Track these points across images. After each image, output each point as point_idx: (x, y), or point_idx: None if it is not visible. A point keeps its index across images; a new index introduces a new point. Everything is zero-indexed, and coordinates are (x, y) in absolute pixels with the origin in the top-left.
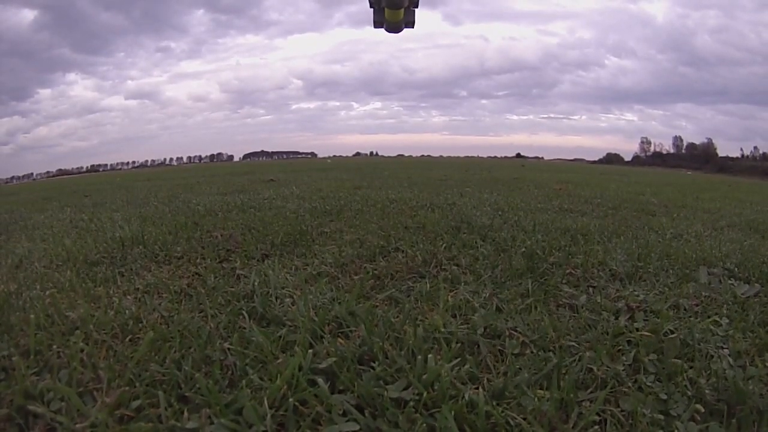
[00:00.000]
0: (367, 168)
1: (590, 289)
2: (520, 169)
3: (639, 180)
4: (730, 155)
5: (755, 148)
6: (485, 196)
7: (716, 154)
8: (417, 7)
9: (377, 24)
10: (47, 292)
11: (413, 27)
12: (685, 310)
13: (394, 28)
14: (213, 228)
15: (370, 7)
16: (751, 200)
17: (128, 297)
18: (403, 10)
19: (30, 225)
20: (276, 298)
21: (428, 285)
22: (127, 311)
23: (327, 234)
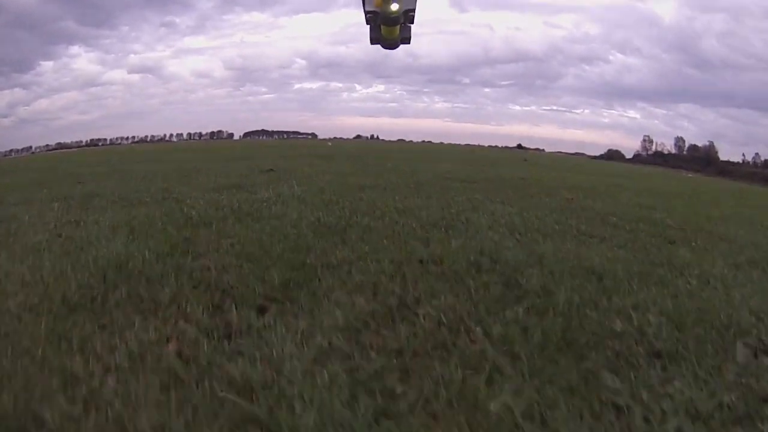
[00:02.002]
0: (368, 156)
1: (632, 374)
2: (524, 165)
3: (644, 186)
4: (731, 160)
5: (756, 154)
6: (497, 208)
7: (717, 158)
8: (412, 23)
9: (374, 41)
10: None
11: (409, 43)
12: (728, 408)
13: (390, 45)
14: (206, 251)
15: (367, 23)
16: (763, 222)
17: (110, 376)
18: (398, 26)
19: (13, 230)
20: (282, 396)
21: (459, 373)
22: (109, 410)
23: (334, 269)
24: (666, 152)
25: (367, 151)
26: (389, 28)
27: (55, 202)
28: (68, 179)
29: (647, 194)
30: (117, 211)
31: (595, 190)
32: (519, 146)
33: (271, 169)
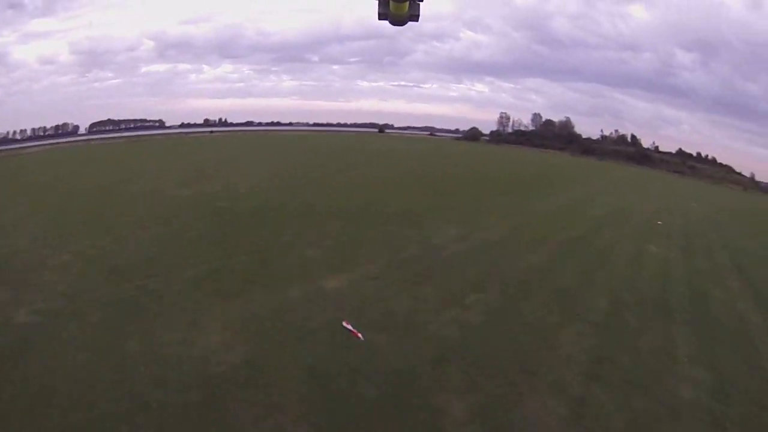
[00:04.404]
0: None
1: None
2: None
3: None
4: (586, 132)
5: (616, 131)
6: None
7: (579, 135)
8: (422, 0)
9: (381, 16)
10: None
11: (417, 20)
12: None
13: (398, 21)
14: None
15: None
16: None
17: None
18: (407, 3)
19: None
20: None
21: None
22: None
23: None
24: (524, 128)
25: None
26: (398, 4)
27: None
28: None
29: None
30: None
31: None
32: (380, 131)
33: None
